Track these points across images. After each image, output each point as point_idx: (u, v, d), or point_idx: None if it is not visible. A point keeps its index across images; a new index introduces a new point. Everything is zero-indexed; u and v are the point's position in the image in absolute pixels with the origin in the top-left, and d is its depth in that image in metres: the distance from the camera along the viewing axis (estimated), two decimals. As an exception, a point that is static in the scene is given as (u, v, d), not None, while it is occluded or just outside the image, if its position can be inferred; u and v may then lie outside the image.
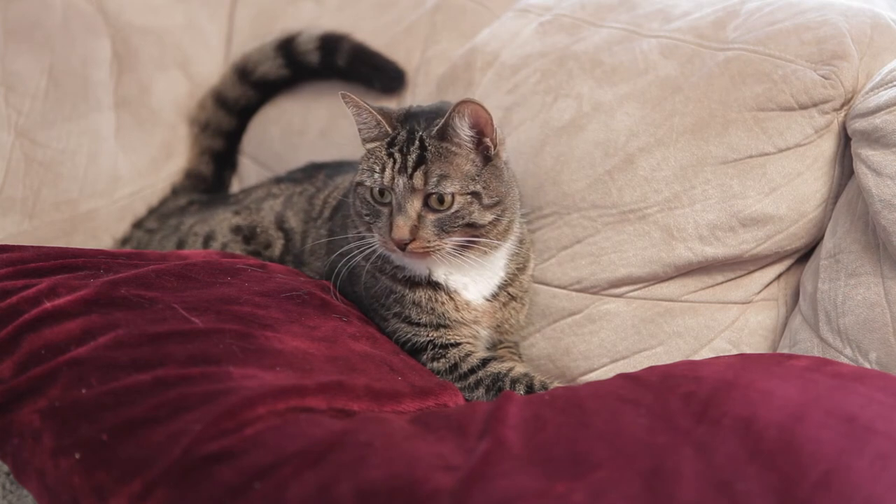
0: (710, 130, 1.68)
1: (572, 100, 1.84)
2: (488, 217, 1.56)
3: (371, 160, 1.58)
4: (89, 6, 2.30)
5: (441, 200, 1.52)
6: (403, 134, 1.57)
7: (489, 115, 1.52)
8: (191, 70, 2.42)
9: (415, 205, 1.52)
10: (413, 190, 1.52)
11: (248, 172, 2.40)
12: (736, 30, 1.74)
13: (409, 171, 1.52)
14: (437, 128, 1.54)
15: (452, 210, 1.53)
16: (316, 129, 2.26)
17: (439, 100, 1.89)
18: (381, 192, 1.56)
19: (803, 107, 1.62)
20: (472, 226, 1.55)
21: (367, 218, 1.59)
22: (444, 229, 1.53)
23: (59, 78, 2.20)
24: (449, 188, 1.51)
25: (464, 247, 1.56)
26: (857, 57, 1.61)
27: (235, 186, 2.43)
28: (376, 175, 1.56)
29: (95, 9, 2.31)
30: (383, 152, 1.57)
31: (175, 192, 2.34)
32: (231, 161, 2.43)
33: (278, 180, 2.06)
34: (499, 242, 1.61)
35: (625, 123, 1.76)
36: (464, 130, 1.53)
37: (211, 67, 2.43)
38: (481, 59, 2.03)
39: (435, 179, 1.51)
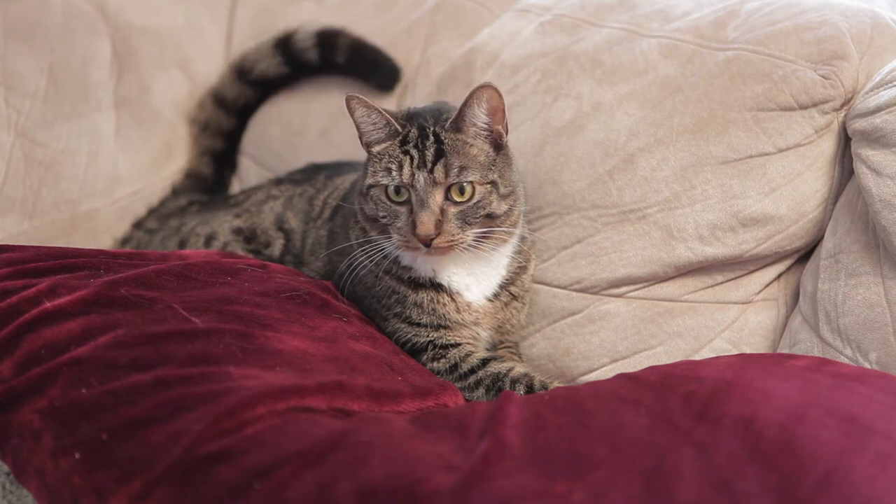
0: (709, 130, 1.68)
1: (572, 100, 1.84)
2: (504, 206, 1.57)
3: (385, 160, 1.57)
4: (89, 6, 2.30)
5: (462, 191, 1.53)
6: (415, 131, 1.57)
7: (503, 100, 1.54)
8: (191, 70, 2.42)
9: (437, 199, 1.52)
10: (435, 184, 1.52)
11: (248, 173, 2.40)
12: (736, 30, 1.74)
13: (430, 165, 1.52)
14: (450, 120, 1.55)
15: (474, 200, 1.53)
16: (316, 129, 2.26)
17: (439, 100, 1.90)
18: (398, 191, 1.55)
19: (803, 107, 1.62)
20: (491, 216, 1.56)
21: (384, 220, 1.57)
22: (466, 221, 1.53)
23: (59, 78, 2.20)
24: (470, 177, 1.52)
25: (482, 238, 1.56)
26: (857, 57, 1.61)
27: (235, 187, 2.43)
28: (394, 173, 1.54)
29: (95, 9, 2.31)
30: (398, 150, 1.56)
31: (175, 192, 2.34)
32: (231, 161, 2.43)
33: (278, 182, 2.06)
34: (512, 230, 1.63)
35: (625, 123, 1.76)
36: (480, 118, 1.54)
37: (211, 67, 2.43)
38: (481, 59, 2.03)
39: (456, 171, 1.52)
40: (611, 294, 1.76)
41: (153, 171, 2.34)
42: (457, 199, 1.53)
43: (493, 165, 1.56)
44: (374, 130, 1.60)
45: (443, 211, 1.52)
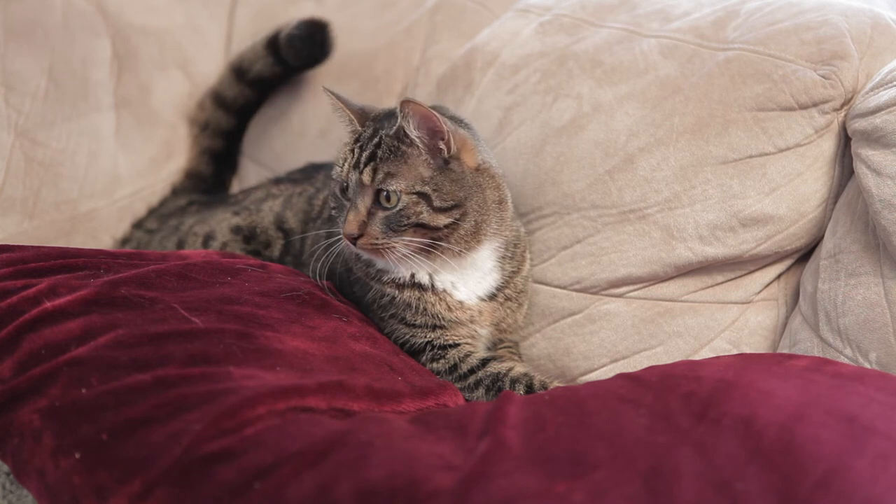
0: (709, 130, 1.68)
1: (572, 100, 1.84)
2: (442, 220, 1.54)
3: (339, 156, 1.62)
4: (89, 6, 2.30)
5: (388, 198, 1.53)
6: (369, 132, 1.59)
7: (435, 115, 1.51)
8: (191, 70, 2.42)
9: (365, 201, 1.54)
10: (363, 185, 1.54)
11: (248, 173, 2.40)
12: (736, 30, 1.74)
13: (361, 166, 1.55)
14: (394, 127, 1.55)
15: (398, 208, 1.53)
16: (316, 129, 2.27)
17: (439, 100, 1.90)
18: (345, 188, 1.59)
19: (803, 107, 1.62)
20: (423, 227, 1.54)
21: (333, 212, 1.64)
22: (391, 227, 1.53)
23: (59, 78, 2.20)
24: (393, 186, 1.52)
25: (424, 249, 1.55)
26: (857, 57, 1.61)
27: (235, 187, 2.43)
28: (338, 169, 1.60)
29: (95, 9, 2.31)
30: (348, 148, 1.61)
31: (175, 192, 2.34)
32: (231, 161, 2.44)
33: (277, 181, 2.07)
34: (460, 249, 1.58)
35: (625, 123, 1.76)
36: (412, 131, 1.53)
37: (211, 67, 2.43)
38: (481, 59, 2.03)
39: (381, 176, 1.53)
40: (611, 294, 1.76)
41: (153, 171, 2.34)
42: (384, 204, 1.54)
43: (431, 178, 1.53)
44: (344, 125, 1.66)
45: (370, 214, 1.54)
